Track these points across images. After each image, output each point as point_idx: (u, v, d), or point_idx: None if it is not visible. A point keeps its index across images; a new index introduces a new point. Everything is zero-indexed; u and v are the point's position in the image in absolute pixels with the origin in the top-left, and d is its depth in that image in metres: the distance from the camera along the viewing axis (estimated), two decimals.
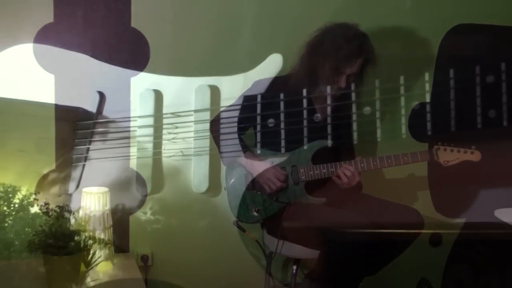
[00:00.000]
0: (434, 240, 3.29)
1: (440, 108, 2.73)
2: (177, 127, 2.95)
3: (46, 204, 2.45)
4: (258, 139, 2.83)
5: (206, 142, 2.96)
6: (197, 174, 3.01)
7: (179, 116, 2.94)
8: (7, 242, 2.56)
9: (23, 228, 2.58)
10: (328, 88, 2.70)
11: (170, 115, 2.94)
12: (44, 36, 2.72)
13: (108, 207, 2.79)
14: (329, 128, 2.77)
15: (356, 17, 2.82)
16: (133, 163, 2.94)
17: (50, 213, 2.42)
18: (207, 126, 2.95)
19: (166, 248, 3.04)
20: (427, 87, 2.86)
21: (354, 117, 2.75)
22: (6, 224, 2.60)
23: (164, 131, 2.95)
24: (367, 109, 2.74)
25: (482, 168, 2.67)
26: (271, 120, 2.79)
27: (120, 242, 2.94)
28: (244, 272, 3.15)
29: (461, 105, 2.68)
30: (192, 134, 2.96)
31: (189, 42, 2.94)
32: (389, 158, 2.67)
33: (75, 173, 2.85)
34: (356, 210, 2.69)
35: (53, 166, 2.82)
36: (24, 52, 2.71)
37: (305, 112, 2.76)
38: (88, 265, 2.51)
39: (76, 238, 2.36)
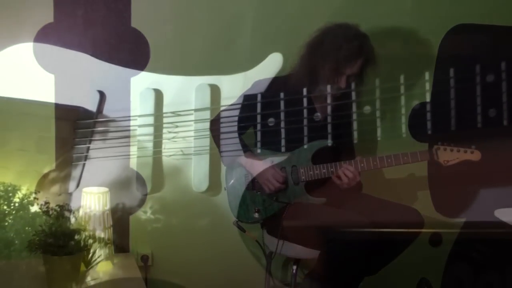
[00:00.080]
0: (434, 240, 3.29)
1: (440, 107, 2.73)
2: (177, 126, 2.95)
3: (46, 203, 2.45)
4: (258, 138, 2.84)
5: (206, 141, 2.96)
6: (197, 173, 3.01)
7: (179, 115, 2.94)
8: (7, 241, 2.55)
9: (23, 227, 2.57)
10: (328, 87, 2.70)
11: (170, 114, 2.94)
12: (44, 36, 2.72)
13: (108, 207, 2.79)
14: (329, 127, 2.77)
15: (356, 16, 2.82)
16: (133, 162, 2.94)
17: (50, 212, 2.42)
18: (207, 125, 2.95)
19: (166, 248, 3.04)
20: (427, 86, 2.86)
21: (354, 116, 2.75)
22: (6, 223, 2.59)
23: (164, 130, 2.95)
24: (367, 108, 2.74)
25: (482, 168, 2.67)
26: (271, 119, 2.79)
27: (120, 242, 2.94)
28: (244, 271, 3.15)
29: (461, 104, 2.67)
30: (192, 133, 2.96)
31: (189, 41, 2.94)
32: (389, 158, 2.67)
33: (75, 172, 2.85)
34: (356, 210, 2.69)
35: (53, 165, 2.82)
36: (24, 51, 2.71)
37: (305, 111, 2.76)
38: (88, 264, 2.51)
39: (76, 237, 2.36)
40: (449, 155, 2.67)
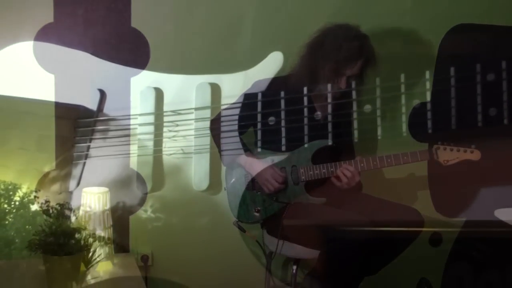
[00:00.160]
0: (434, 239, 3.29)
1: (441, 106, 2.73)
2: (177, 125, 2.95)
3: (46, 201, 2.45)
4: (258, 137, 2.83)
5: (207, 140, 2.96)
6: (197, 172, 3.01)
7: (179, 114, 2.95)
8: (8, 240, 2.57)
9: (24, 226, 2.58)
10: (329, 86, 2.70)
11: (170, 113, 2.94)
12: (44, 36, 2.72)
13: (108, 207, 2.79)
14: (329, 126, 2.77)
15: (357, 15, 2.83)
16: (134, 161, 2.94)
17: (51, 211, 2.42)
18: (207, 124, 2.95)
19: (166, 247, 3.05)
20: (428, 85, 2.86)
21: (355, 115, 2.75)
22: (7, 222, 2.61)
23: (165, 129, 2.95)
24: (367, 107, 2.74)
25: (482, 167, 2.67)
26: (271, 118, 2.79)
27: (120, 242, 2.95)
28: (244, 270, 3.15)
29: (461, 103, 2.67)
30: (192, 132, 2.96)
31: (189, 40, 2.94)
32: (388, 157, 2.67)
33: (76, 171, 2.86)
34: (356, 210, 2.69)
35: (54, 164, 2.83)
36: (24, 50, 2.71)
37: (305, 111, 2.76)
38: (88, 263, 2.51)
39: (76, 235, 2.36)
40: (449, 155, 2.66)
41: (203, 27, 2.94)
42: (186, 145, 2.97)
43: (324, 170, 2.72)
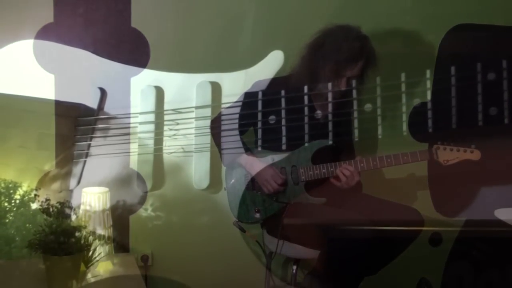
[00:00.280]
0: (434, 239, 3.29)
1: (441, 106, 2.73)
2: (178, 124, 2.95)
3: (47, 200, 2.45)
4: (259, 136, 2.83)
5: (207, 139, 2.96)
6: (198, 171, 3.01)
7: (180, 112, 2.94)
8: (8, 238, 2.57)
9: (24, 224, 2.58)
10: (329, 85, 2.69)
11: (171, 111, 2.94)
12: (44, 36, 2.72)
13: (108, 207, 2.79)
14: (329, 125, 2.77)
15: (357, 15, 2.83)
16: (134, 160, 2.94)
17: (51, 209, 2.42)
18: (208, 122, 2.95)
19: (167, 246, 3.05)
20: (428, 84, 2.85)
21: (355, 114, 2.75)
22: (7, 220, 2.61)
23: (165, 128, 2.95)
24: (368, 106, 2.74)
25: (482, 167, 2.67)
26: (272, 117, 2.79)
27: (120, 242, 2.95)
28: (245, 269, 3.15)
29: (462, 102, 2.67)
30: (193, 131, 2.96)
31: (190, 38, 2.93)
32: (388, 157, 2.67)
33: (76, 169, 2.86)
34: (356, 210, 2.69)
35: (54, 162, 2.83)
36: (25, 49, 2.71)
37: (305, 110, 2.75)
38: (88, 262, 2.51)
39: (77, 234, 2.36)
40: (449, 155, 2.66)
41: (203, 25, 2.94)
42: (187, 144, 2.97)
43: (324, 170, 2.72)
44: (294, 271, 2.88)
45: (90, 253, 2.50)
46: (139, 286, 2.55)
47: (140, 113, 2.90)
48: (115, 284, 2.56)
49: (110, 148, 2.88)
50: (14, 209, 2.63)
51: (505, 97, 2.64)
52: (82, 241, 2.37)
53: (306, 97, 2.74)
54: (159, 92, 2.91)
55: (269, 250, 2.85)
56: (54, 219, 2.37)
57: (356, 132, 2.76)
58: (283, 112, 2.76)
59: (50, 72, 2.75)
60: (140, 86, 2.89)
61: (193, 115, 2.96)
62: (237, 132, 2.86)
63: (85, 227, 2.43)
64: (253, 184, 2.82)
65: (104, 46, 2.81)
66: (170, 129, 2.94)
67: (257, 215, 2.80)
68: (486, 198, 3.17)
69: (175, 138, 2.95)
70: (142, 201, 2.97)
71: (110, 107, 2.85)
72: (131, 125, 2.90)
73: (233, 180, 2.87)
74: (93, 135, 2.86)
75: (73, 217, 2.48)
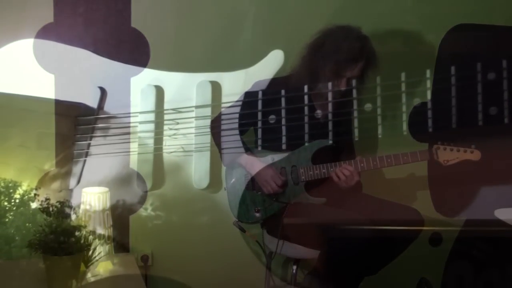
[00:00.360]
0: (434, 239, 3.29)
1: (441, 106, 2.73)
2: (178, 123, 2.95)
3: (47, 199, 2.45)
4: (259, 136, 2.83)
5: (207, 138, 2.96)
6: (198, 170, 3.01)
7: (180, 112, 2.94)
8: (8, 237, 2.57)
9: (24, 224, 2.58)
10: (329, 85, 2.69)
11: (171, 111, 2.94)
12: (44, 36, 2.72)
13: (108, 206, 2.79)
14: (329, 125, 2.77)
15: (357, 15, 2.83)
16: (134, 159, 2.94)
17: (51, 209, 2.42)
18: (208, 122, 2.95)
19: (167, 246, 3.05)
20: (428, 84, 2.85)
21: (355, 114, 2.75)
22: (7, 220, 2.61)
23: (165, 127, 2.95)
24: (368, 106, 2.74)
25: (482, 167, 2.67)
26: (272, 116, 2.78)
27: (120, 242, 2.95)
28: (245, 269, 3.15)
29: (462, 102, 2.67)
30: (193, 130, 2.96)
31: (190, 38, 2.93)
32: (388, 157, 2.67)
33: (76, 169, 2.86)
34: (356, 210, 2.69)
35: (54, 162, 2.83)
36: (25, 48, 2.71)
37: (305, 109, 2.75)
38: (88, 261, 2.51)
39: (76, 233, 2.36)
40: (449, 155, 2.66)
41: (204, 25, 2.94)
42: (187, 143, 2.97)
43: (324, 170, 2.72)
44: (294, 271, 2.88)
45: (90, 253, 2.50)
46: (139, 286, 2.55)
47: (140, 113, 2.90)
48: (115, 284, 2.56)
49: (110, 147, 2.88)
50: (14, 208, 2.63)
51: (505, 96, 2.63)
52: (82, 241, 2.37)
53: (306, 97, 2.74)
54: (159, 92, 2.91)
55: (269, 250, 2.85)
56: (54, 218, 2.37)
57: (356, 132, 2.76)
58: (283, 112, 2.76)
59: (50, 72, 2.75)
60: (140, 85, 2.88)
61: (193, 114, 2.95)
62: (237, 131, 2.86)
63: (85, 226, 2.43)
64: (253, 184, 2.82)
65: (104, 46, 2.80)
66: (170, 129, 2.94)
67: (257, 215, 2.80)
68: (486, 198, 3.18)
69: (175, 138, 2.95)
70: (142, 200, 2.97)
71: (110, 107, 2.85)
72: (131, 124, 2.90)
73: (233, 180, 2.87)
74: (93, 135, 2.86)
75: (73, 217, 2.48)
